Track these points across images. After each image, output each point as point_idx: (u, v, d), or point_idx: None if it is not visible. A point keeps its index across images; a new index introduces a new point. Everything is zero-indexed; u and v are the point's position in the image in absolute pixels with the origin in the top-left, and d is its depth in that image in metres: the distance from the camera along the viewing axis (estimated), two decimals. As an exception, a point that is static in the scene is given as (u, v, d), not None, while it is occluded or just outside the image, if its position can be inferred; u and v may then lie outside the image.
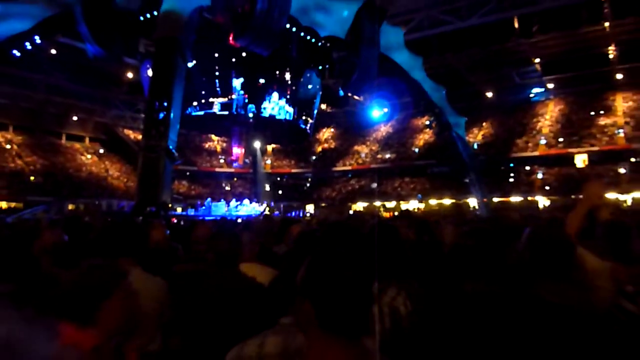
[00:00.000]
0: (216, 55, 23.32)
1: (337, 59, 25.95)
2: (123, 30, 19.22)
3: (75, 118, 39.68)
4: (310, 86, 26.96)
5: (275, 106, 25.36)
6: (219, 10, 20.76)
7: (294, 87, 26.00)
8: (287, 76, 25.74)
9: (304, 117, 27.11)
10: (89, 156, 39.50)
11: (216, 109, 24.17)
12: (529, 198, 31.38)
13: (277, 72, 25.37)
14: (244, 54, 22.42)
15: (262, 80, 24.89)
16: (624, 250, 2.59)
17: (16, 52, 19.00)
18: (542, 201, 30.53)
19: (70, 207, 28.04)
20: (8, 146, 34.82)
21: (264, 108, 25.10)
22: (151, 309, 2.32)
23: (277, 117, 25.52)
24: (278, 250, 3.84)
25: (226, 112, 24.29)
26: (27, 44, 18.84)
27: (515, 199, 31.65)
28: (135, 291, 1.64)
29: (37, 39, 19.09)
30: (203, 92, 23.79)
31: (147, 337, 2.29)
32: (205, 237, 3.32)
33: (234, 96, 24.26)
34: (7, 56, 19.30)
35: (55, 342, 0.42)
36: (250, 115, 24.93)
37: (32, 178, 32.83)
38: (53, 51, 28.99)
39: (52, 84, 34.71)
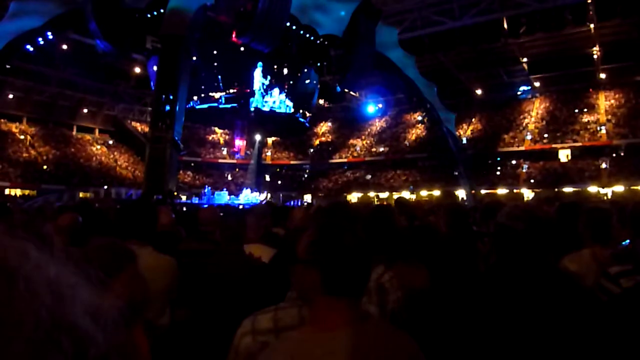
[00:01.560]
0: (218, 51, 23.24)
1: (335, 56, 25.91)
2: (131, 27, 19.14)
3: (85, 111, 39.54)
4: (308, 82, 26.93)
5: (276, 100, 25.33)
6: (223, 9, 20.71)
7: (292, 82, 25.96)
8: (286, 72, 25.69)
9: (301, 111, 27.08)
10: (98, 147, 39.40)
11: (219, 102, 24.11)
12: (515, 190, 31.49)
13: (277, 68, 25.32)
14: (242, 49, 22.36)
15: (263, 75, 24.85)
16: (604, 234, 2.63)
17: (30, 48, 18.92)
18: (527, 193, 30.64)
19: (80, 194, 28.01)
20: (22, 137, 34.70)
21: (265, 102, 25.06)
22: (161, 286, 2.35)
23: (277, 110, 25.49)
24: (277, 232, 3.93)
25: (229, 106, 24.24)
26: (40, 40, 18.74)
27: (502, 191, 31.75)
28: (141, 271, 1.63)
29: (50, 35, 19.00)
30: (203, 87, 23.70)
31: (157, 312, 2.32)
32: (211, 220, 3.36)
33: (232, 91, 24.24)
34: (21, 52, 19.20)
35: (99, 291, 0.43)
36: (252, 109, 24.92)
37: (44, 167, 32.76)
38: (64, 47, 28.82)
39: (64, 78, 34.56)
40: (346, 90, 38.92)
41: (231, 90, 23.97)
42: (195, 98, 23.82)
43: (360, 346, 1.18)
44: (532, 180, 31.69)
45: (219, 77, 23.48)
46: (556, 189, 27.55)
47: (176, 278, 2.55)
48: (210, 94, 23.87)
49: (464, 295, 1.94)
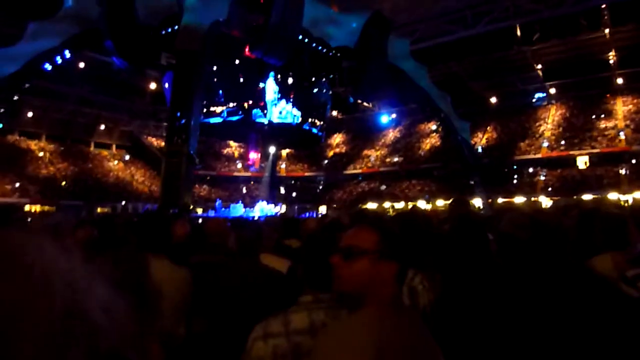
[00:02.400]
0: (219, 65, 23.35)
1: (347, 67, 26.02)
2: (146, 44, 19.44)
3: (102, 127, 40.21)
4: (319, 92, 27.00)
5: (282, 110, 25.39)
6: (236, 24, 20.94)
7: (298, 92, 25.98)
8: (291, 81, 25.67)
9: (314, 122, 27.05)
10: (115, 162, 39.97)
11: (221, 116, 24.12)
12: (532, 199, 31.09)
13: (281, 78, 25.33)
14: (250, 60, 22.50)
15: (274, 87, 24.93)
16: (620, 240, 2.60)
17: (48, 67, 19.30)
18: (545, 201, 30.21)
19: (98, 210, 28.37)
20: (41, 154, 35.38)
21: (280, 113, 25.13)
22: (176, 296, 2.38)
23: (284, 120, 25.49)
24: (290, 244, 3.95)
25: (234, 119, 24.27)
26: (58, 58, 19.12)
27: (519, 199, 31.37)
28: (158, 282, 1.65)
29: (67, 54, 19.38)
30: (207, 101, 23.76)
31: (173, 322, 2.34)
32: (217, 231, 3.39)
33: (232, 104, 24.30)
34: (39, 70, 19.62)
35: (111, 287, 0.46)
36: (265, 121, 25.02)
37: (63, 183, 33.30)
38: (82, 65, 29.41)
39: (81, 95, 35.27)
40: (359, 101, 39.05)
41: (231, 104, 24.03)
42: (209, 111, 23.98)
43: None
44: (549, 188, 31.28)
45: (220, 91, 23.55)
46: (575, 197, 27.12)
47: (191, 289, 2.57)
48: (212, 108, 23.98)
49: (480, 301, 1.93)
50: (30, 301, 0.42)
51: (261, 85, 24.63)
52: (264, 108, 24.64)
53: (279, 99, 25.16)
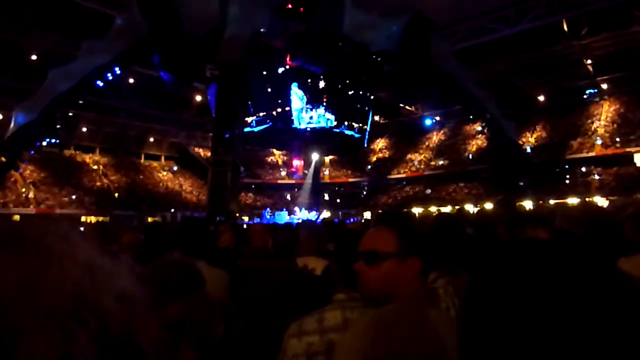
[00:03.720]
0: (267, 72, 23.57)
1: (389, 72, 25.85)
2: (191, 57, 20.02)
3: (152, 139, 41.73)
4: (359, 96, 26.86)
5: (314, 115, 25.36)
6: (276, 33, 21.26)
7: (337, 97, 25.88)
8: (322, 85, 25.56)
9: (351, 125, 26.88)
10: (164, 173, 41.35)
11: (250, 126, 24.29)
12: (587, 199, 29.75)
13: (312, 82, 25.24)
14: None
15: (299, 94, 24.92)
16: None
17: (99, 83, 20.21)
18: (601, 201, 28.84)
19: (149, 219, 29.38)
20: (95, 167, 37.08)
21: (302, 118, 25.09)
22: (214, 297, 2.44)
23: (317, 125, 25.43)
24: (330, 248, 3.97)
25: (261, 127, 24.40)
26: (109, 75, 19.99)
27: (573, 200, 30.09)
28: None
29: (117, 70, 20.24)
30: (253, 109, 23.97)
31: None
32: (258, 236, 3.47)
33: (285, 109, 24.43)
34: (92, 87, 20.57)
35: (134, 279, 0.49)
36: (308, 127, 25.15)
37: (116, 195, 34.73)
38: (131, 80, 30.68)
39: (131, 109, 36.71)
40: (402, 105, 38.71)
41: (261, 114, 24.20)
42: (251, 120, 24.29)
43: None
44: (605, 188, 29.86)
45: (249, 102, 23.73)
46: (634, 196, 25.77)
47: (227, 290, 2.64)
48: (250, 118, 24.22)
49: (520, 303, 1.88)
50: (41, 282, 0.44)
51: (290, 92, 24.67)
52: (291, 115, 24.67)
53: (309, 105, 25.14)
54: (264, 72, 23.12)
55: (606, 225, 1.78)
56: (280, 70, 23.18)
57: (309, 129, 25.24)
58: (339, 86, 25.67)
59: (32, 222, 0.54)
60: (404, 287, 1.37)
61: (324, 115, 25.55)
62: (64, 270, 0.46)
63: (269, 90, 23.63)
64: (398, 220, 2.61)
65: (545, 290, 0.49)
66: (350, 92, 26.23)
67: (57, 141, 26.85)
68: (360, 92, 26.61)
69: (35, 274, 0.45)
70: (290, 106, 24.56)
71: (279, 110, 24.31)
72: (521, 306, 0.48)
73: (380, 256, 1.39)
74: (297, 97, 24.81)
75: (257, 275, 2.71)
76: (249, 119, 23.99)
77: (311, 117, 25.19)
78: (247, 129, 23.71)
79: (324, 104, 25.42)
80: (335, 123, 25.95)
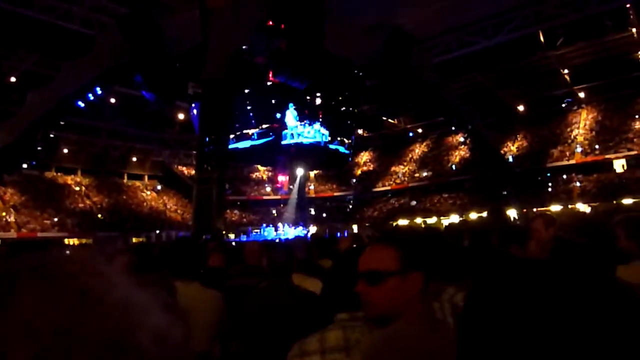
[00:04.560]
0: (249, 89, 23.67)
1: (371, 85, 26.09)
2: (173, 76, 19.97)
3: (134, 159, 41.34)
4: (347, 112, 27.07)
5: (310, 130, 25.49)
6: (258, 50, 21.36)
7: (331, 113, 26.08)
8: (319, 101, 25.77)
9: (342, 140, 27.09)
10: (148, 192, 40.91)
11: (252, 139, 24.38)
12: (569, 206, 30.17)
13: (310, 99, 25.46)
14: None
15: (296, 109, 25.08)
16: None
17: (80, 104, 19.98)
18: (583, 208, 29.27)
19: (134, 239, 28.95)
20: (77, 188, 36.53)
21: (299, 133, 25.24)
22: (208, 318, 2.41)
23: (312, 140, 25.57)
24: (323, 263, 3.92)
25: (262, 141, 24.49)
26: (90, 95, 19.79)
27: (555, 207, 30.49)
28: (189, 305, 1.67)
29: (98, 90, 20.05)
30: (237, 125, 24.02)
31: (205, 343, 2.37)
32: (253, 254, 3.43)
33: (265, 125, 24.54)
34: (73, 108, 20.33)
35: (170, 313, 0.47)
36: (292, 142, 25.20)
37: (99, 215, 34.20)
38: (112, 100, 30.45)
39: (113, 129, 36.37)
40: (384, 117, 39.00)
41: (264, 125, 24.30)
42: (232, 137, 24.26)
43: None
44: (587, 195, 30.34)
45: (251, 114, 23.85)
46: (615, 202, 26.19)
47: (223, 310, 2.60)
48: (245, 130, 24.27)
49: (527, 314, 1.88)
50: (77, 328, 0.43)
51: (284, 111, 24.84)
52: (283, 128, 24.82)
53: (303, 121, 25.28)
54: (249, 89, 23.23)
55: (602, 232, 1.79)
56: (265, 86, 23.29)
57: (294, 145, 25.28)
58: (332, 103, 25.90)
59: (66, 255, 0.52)
60: (408, 303, 1.35)
61: (319, 131, 25.69)
62: (100, 313, 0.45)
63: (257, 107, 23.75)
64: (396, 235, 2.60)
65: (548, 300, 0.49)
66: (337, 106, 26.43)
67: (36, 163, 26.45)
68: (350, 108, 26.85)
69: (72, 319, 0.43)
70: (282, 122, 24.71)
71: (268, 126, 24.40)
72: (523, 316, 0.49)
73: (382, 275, 1.37)
74: (292, 115, 24.96)
75: (254, 295, 2.67)
76: (250, 131, 24.07)
77: (308, 133, 25.30)
78: (232, 146, 23.67)
79: (320, 119, 25.58)
80: (329, 138, 26.14)
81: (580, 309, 0.45)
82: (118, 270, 0.52)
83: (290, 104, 24.68)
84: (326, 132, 25.93)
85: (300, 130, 25.13)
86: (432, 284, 2.01)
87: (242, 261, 3.74)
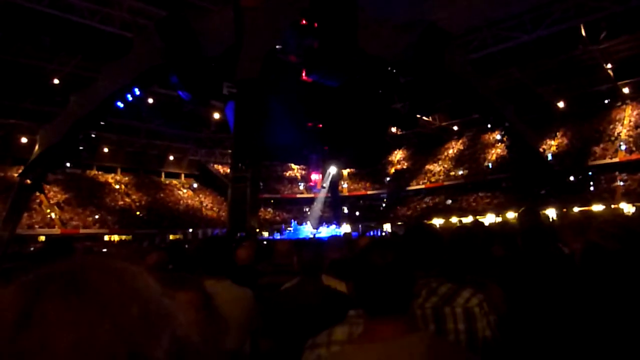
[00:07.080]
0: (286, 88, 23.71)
1: (405, 83, 25.77)
2: (208, 76, 20.27)
3: (172, 158, 42.36)
4: (379, 111, 26.82)
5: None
6: (291, 49, 21.43)
7: (362, 112, 25.86)
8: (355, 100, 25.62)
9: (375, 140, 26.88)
10: (185, 191, 41.81)
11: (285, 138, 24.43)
12: (612, 206, 29.05)
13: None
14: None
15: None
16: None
17: (120, 104, 20.55)
18: (627, 208, 28.14)
19: (171, 237, 29.64)
20: (117, 186, 37.69)
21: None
22: (238, 316, 2.42)
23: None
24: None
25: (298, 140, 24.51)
26: (129, 96, 20.32)
27: (597, 207, 29.43)
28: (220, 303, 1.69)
29: (137, 91, 20.57)
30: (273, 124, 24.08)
31: (236, 341, 2.38)
32: (284, 252, 3.44)
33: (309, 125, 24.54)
34: (112, 108, 20.95)
35: (199, 313, 0.49)
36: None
37: (138, 213, 35.17)
38: (150, 100, 31.24)
39: (151, 129, 37.37)
40: (419, 115, 38.52)
41: (286, 130, 24.28)
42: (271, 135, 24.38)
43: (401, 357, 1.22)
44: (631, 194, 29.16)
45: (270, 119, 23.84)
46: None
47: (254, 309, 2.63)
48: (277, 130, 24.31)
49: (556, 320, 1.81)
50: (96, 341, 0.44)
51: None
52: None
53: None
54: (287, 88, 23.34)
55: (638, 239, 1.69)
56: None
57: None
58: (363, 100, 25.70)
59: (93, 262, 0.53)
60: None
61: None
62: (119, 326, 0.46)
63: (296, 106, 23.81)
64: (423, 235, 2.54)
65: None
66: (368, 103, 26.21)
67: (78, 162, 27.34)
68: (377, 103, 26.57)
69: (91, 331, 0.44)
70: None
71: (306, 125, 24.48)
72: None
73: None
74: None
75: (284, 293, 2.68)
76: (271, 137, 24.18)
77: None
78: (267, 144, 23.86)
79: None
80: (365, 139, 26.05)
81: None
82: (145, 274, 0.53)
83: None
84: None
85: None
86: (447, 285, 1.98)
87: (273, 259, 3.76)
